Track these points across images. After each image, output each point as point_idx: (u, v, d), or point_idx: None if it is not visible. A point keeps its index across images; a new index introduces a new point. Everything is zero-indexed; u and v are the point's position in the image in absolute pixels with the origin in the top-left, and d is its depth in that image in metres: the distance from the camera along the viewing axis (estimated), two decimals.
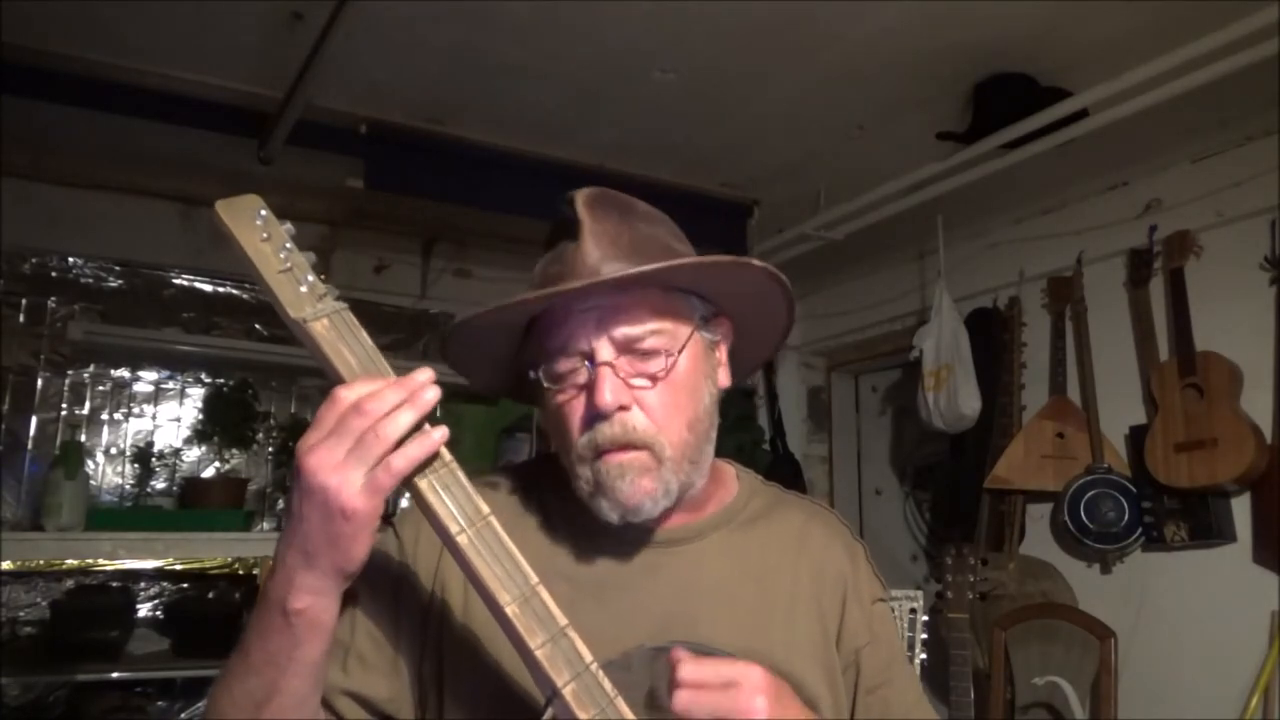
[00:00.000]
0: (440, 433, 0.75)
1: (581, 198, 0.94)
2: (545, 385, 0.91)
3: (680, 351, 0.90)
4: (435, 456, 0.75)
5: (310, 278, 0.77)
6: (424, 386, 0.75)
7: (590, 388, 0.88)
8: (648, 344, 0.89)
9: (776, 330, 1.04)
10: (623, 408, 0.87)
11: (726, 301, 0.98)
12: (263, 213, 0.78)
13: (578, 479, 0.90)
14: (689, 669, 0.77)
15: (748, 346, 1.04)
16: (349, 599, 0.79)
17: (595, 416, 0.88)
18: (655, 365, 0.89)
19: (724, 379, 0.98)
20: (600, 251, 0.90)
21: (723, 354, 0.99)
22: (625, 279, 0.87)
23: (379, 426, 0.72)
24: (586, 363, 0.89)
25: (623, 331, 0.88)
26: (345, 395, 0.74)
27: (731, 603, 0.95)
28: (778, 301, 0.98)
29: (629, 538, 0.96)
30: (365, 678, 0.90)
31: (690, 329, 0.92)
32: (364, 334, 0.78)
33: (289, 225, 0.79)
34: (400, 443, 0.73)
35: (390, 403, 0.73)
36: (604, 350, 0.88)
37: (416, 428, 0.74)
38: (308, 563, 0.74)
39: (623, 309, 0.89)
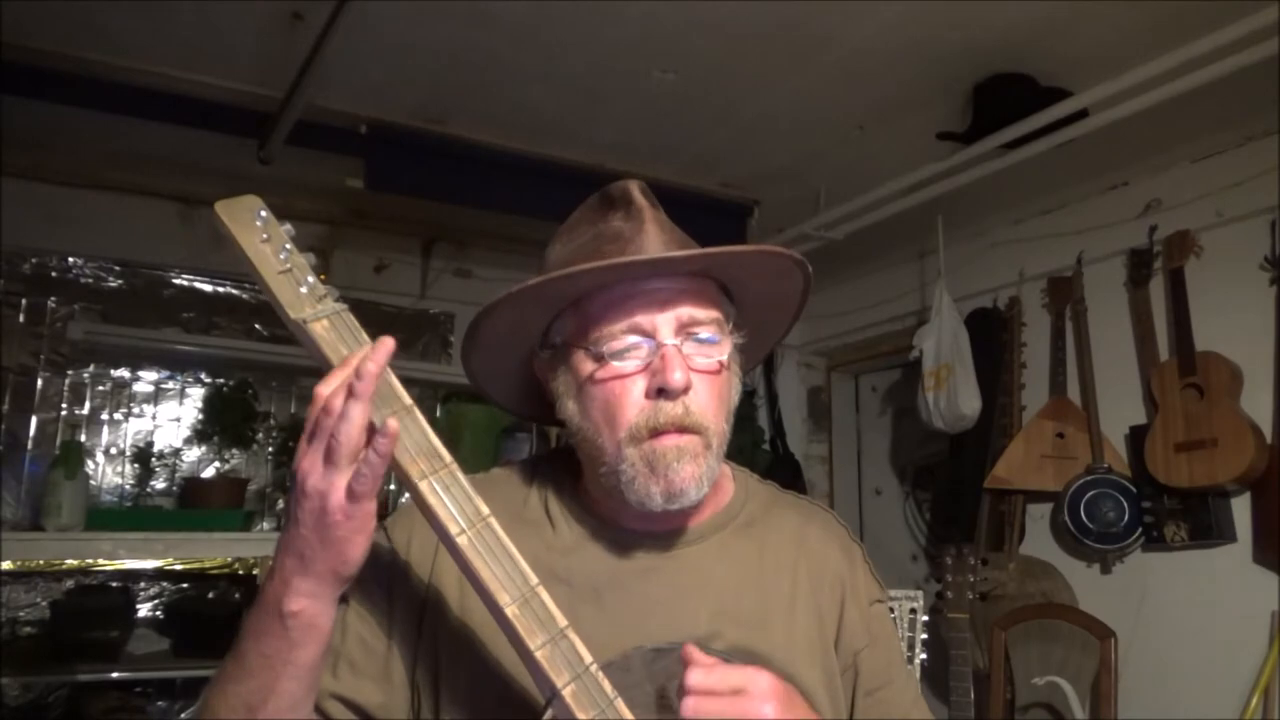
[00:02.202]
0: (395, 423, 0.72)
1: (637, 186, 0.96)
2: (597, 363, 0.89)
3: (730, 344, 0.94)
4: (435, 456, 0.75)
5: (310, 279, 0.77)
6: (363, 362, 0.72)
7: (655, 367, 0.88)
8: (707, 331, 0.91)
9: (763, 348, 1.08)
10: (686, 388, 0.88)
11: (744, 308, 1.00)
12: (263, 213, 0.78)
13: (622, 461, 0.89)
14: (697, 675, 0.77)
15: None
16: (340, 603, 0.79)
17: (660, 395, 0.88)
18: (718, 353, 0.92)
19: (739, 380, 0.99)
20: (664, 238, 0.92)
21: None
22: (723, 254, 0.89)
23: (337, 429, 0.72)
24: (648, 342, 0.89)
25: (689, 313, 0.90)
26: (320, 392, 0.74)
27: (731, 605, 0.95)
28: (783, 317, 1.03)
29: (628, 540, 0.96)
30: (355, 683, 0.90)
31: (731, 323, 0.95)
32: (364, 335, 0.77)
33: (289, 226, 0.79)
34: (368, 434, 0.73)
35: (337, 383, 0.73)
36: (667, 330, 0.89)
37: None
38: (303, 566, 0.74)
39: (688, 293, 0.91)
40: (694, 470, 0.88)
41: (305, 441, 0.73)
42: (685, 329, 0.90)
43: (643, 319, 0.89)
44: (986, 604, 2.85)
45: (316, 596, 0.75)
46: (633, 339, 0.89)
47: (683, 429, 0.88)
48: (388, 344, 0.74)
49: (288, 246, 0.78)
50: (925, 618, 1.98)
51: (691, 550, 0.98)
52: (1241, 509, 2.58)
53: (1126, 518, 2.74)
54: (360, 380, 0.72)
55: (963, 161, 2.62)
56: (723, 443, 0.93)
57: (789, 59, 2.33)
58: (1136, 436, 2.75)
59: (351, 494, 0.72)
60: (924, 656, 1.94)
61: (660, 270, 0.90)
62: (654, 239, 0.91)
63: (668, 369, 0.86)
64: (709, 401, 0.90)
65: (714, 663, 0.79)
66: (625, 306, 0.89)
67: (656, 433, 0.88)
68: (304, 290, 0.77)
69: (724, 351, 0.92)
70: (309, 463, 0.72)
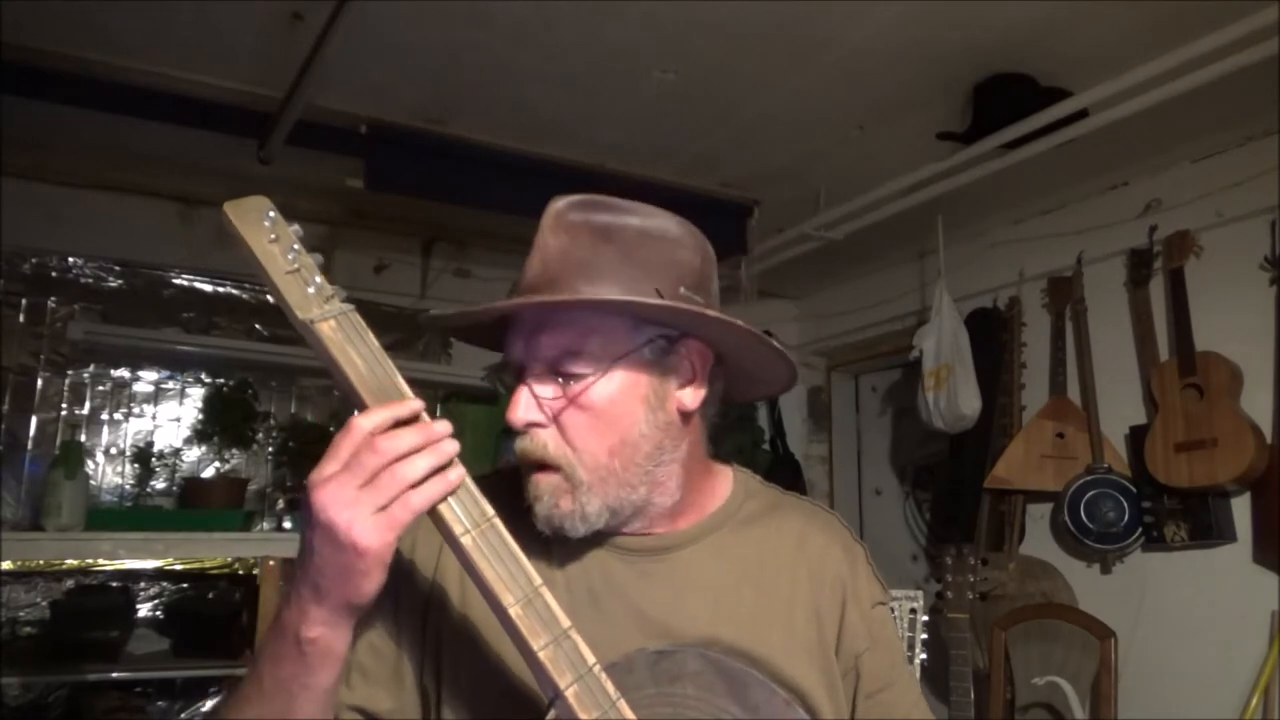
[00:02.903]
0: (457, 474, 0.75)
1: (554, 208, 0.93)
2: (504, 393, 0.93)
3: (603, 376, 0.89)
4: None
5: (318, 279, 0.78)
6: (443, 436, 0.75)
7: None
8: (566, 366, 0.89)
9: (774, 362, 1.00)
10: (535, 424, 0.89)
11: (710, 336, 0.95)
12: (271, 214, 0.78)
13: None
14: None
15: (751, 373, 1.02)
16: None
17: (512, 429, 0.90)
18: (573, 387, 0.89)
19: (689, 402, 0.95)
20: (540, 269, 0.90)
21: (687, 381, 0.95)
22: (515, 306, 0.89)
23: (395, 468, 0.72)
24: (516, 376, 0.91)
25: (544, 352, 0.89)
26: (362, 425, 0.73)
27: (729, 607, 0.95)
28: (758, 343, 0.96)
29: (622, 542, 0.96)
30: (368, 691, 0.91)
31: (621, 353, 0.90)
32: (371, 336, 0.78)
33: (296, 226, 0.79)
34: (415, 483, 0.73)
35: (407, 445, 0.73)
36: (531, 367, 0.90)
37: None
38: (318, 595, 0.74)
39: (546, 330, 0.89)
40: (566, 505, 0.89)
41: (330, 469, 0.72)
42: (550, 365, 0.89)
43: (514, 352, 0.92)
44: (986, 604, 2.85)
45: (332, 625, 0.76)
46: (511, 374, 0.92)
47: (541, 465, 0.89)
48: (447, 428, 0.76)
49: (295, 247, 0.78)
50: (925, 618, 1.98)
51: (687, 551, 0.98)
52: (1241, 509, 2.58)
53: (1126, 518, 2.74)
54: (444, 451, 0.74)
55: (963, 161, 2.62)
56: (608, 475, 0.90)
57: (789, 59, 2.33)
58: (1136, 436, 2.75)
59: (379, 529, 0.71)
60: (924, 656, 1.94)
61: (507, 310, 0.90)
62: (531, 272, 0.91)
63: (509, 407, 0.89)
64: (574, 435, 0.89)
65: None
66: (510, 340, 0.93)
67: (527, 467, 0.90)
68: (311, 290, 0.77)
69: (586, 381, 0.89)
70: (330, 493, 0.71)
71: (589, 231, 0.91)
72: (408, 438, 0.73)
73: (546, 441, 0.89)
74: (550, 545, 0.96)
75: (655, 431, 0.92)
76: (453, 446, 0.75)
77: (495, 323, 0.94)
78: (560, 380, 0.89)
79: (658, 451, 0.92)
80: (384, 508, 0.71)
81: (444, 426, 0.76)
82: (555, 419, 0.89)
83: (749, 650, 0.92)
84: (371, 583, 0.74)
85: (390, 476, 0.72)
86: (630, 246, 0.92)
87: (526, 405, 0.89)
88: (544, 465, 0.89)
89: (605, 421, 0.89)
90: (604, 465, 0.89)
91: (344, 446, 0.73)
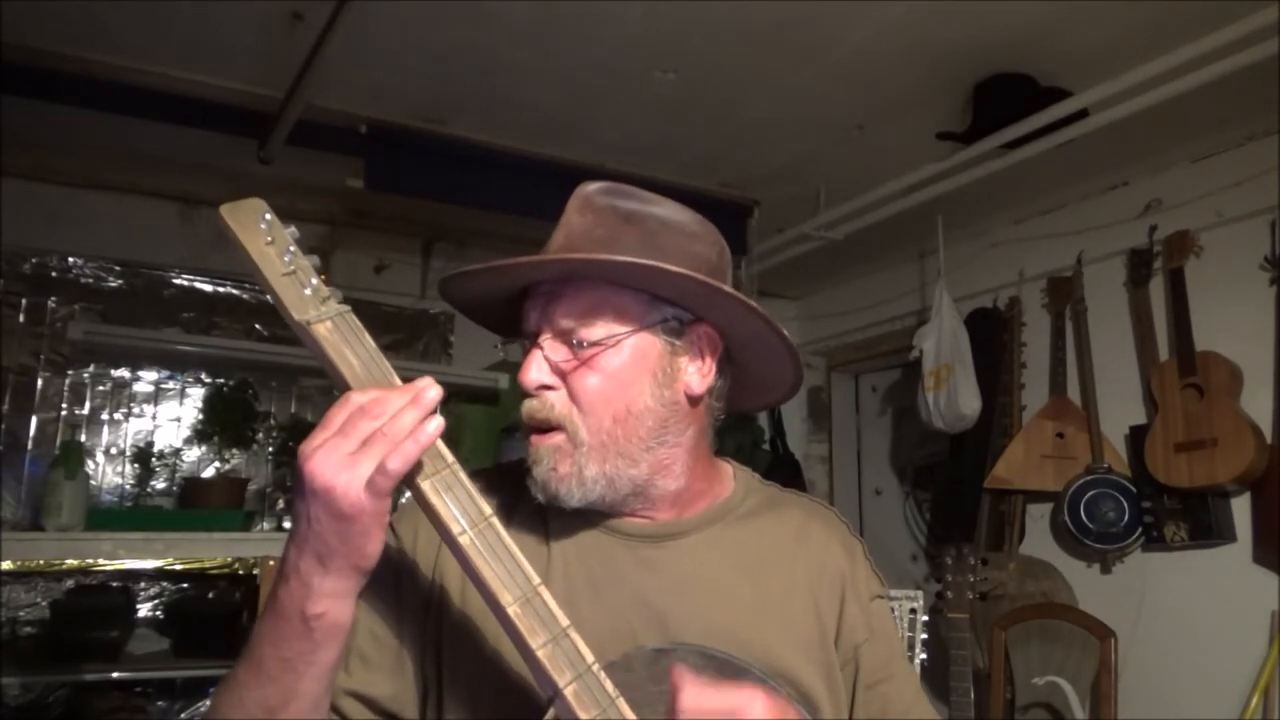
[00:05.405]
0: (435, 424, 0.74)
1: (583, 191, 0.97)
2: (518, 361, 0.96)
3: (614, 345, 0.92)
4: (438, 457, 0.75)
5: (314, 281, 0.78)
6: (426, 388, 0.75)
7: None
8: (579, 335, 0.91)
9: (782, 359, 1.02)
10: (545, 387, 0.91)
11: (722, 323, 0.97)
12: (267, 216, 0.78)
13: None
14: (689, 697, 0.74)
15: (758, 375, 1.05)
16: None
17: (523, 393, 0.92)
18: (585, 351, 0.92)
19: (696, 386, 0.96)
20: (563, 242, 0.94)
21: (696, 364, 0.97)
22: (522, 264, 0.91)
23: (385, 426, 0.72)
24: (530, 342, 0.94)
25: (558, 320, 0.92)
26: (357, 399, 0.74)
27: (726, 598, 0.96)
28: (768, 331, 0.97)
29: (622, 530, 0.96)
30: (368, 677, 0.91)
31: (634, 327, 0.93)
32: (367, 336, 0.78)
33: (293, 228, 0.80)
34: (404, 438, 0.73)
35: (395, 405, 0.73)
36: (545, 333, 0.92)
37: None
38: (323, 566, 0.74)
39: (563, 298, 0.92)
40: (564, 469, 0.90)
41: (321, 437, 0.73)
42: (562, 333, 0.92)
43: (531, 322, 0.94)
44: (986, 604, 2.85)
45: (338, 596, 0.75)
46: (527, 342, 0.94)
47: (545, 426, 0.91)
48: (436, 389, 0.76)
49: (291, 249, 0.78)
50: (925, 618, 1.98)
51: (687, 541, 0.98)
52: (1241, 509, 2.58)
53: (1126, 518, 2.74)
54: (426, 400, 0.74)
55: (963, 161, 2.62)
56: (610, 442, 0.91)
57: (789, 59, 2.33)
58: (1136, 436, 2.75)
59: (374, 487, 0.71)
60: (924, 656, 1.94)
61: (539, 273, 0.93)
62: (553, 245, 0.94)
63: (521, 368, 0.91)
64: (582, 398, 0.91)
65: (706, 684, 0.77)
66: (526, 309, 0.95)
67: (528, 431, 0.93)
68: (308, 292, 0.77)
69: (598, 348, 0.91)
70: (323, 459, 0.71)
71: (613, 215, 0.95)
72: (395, 399, 0.73)
73: (554, 403, 0.91)
74: (549, 531, 0.96)
75: (660, 408, 0.94)
76: (435, 393, 0.74)
77: (509, 299, 0.97)
78: (573, 344, 0.91)
79: (661, 429, 0.94)
80: (378, 467, 0.71)
81: (426, 380, 0.75)
82: (565, 381, 0.91)
83: (746, 643, 0.92)
84: (374, 542, 0.74)
85: (381, 435, 0.72)
86: (651, 233, 0.95)
87: (538, 367, 0.91)
88: (547, 427, 0.91)
89: (613, 388, 0.92)
90: (607, 431, 0.91)
91: (337, 415, 0.73)
